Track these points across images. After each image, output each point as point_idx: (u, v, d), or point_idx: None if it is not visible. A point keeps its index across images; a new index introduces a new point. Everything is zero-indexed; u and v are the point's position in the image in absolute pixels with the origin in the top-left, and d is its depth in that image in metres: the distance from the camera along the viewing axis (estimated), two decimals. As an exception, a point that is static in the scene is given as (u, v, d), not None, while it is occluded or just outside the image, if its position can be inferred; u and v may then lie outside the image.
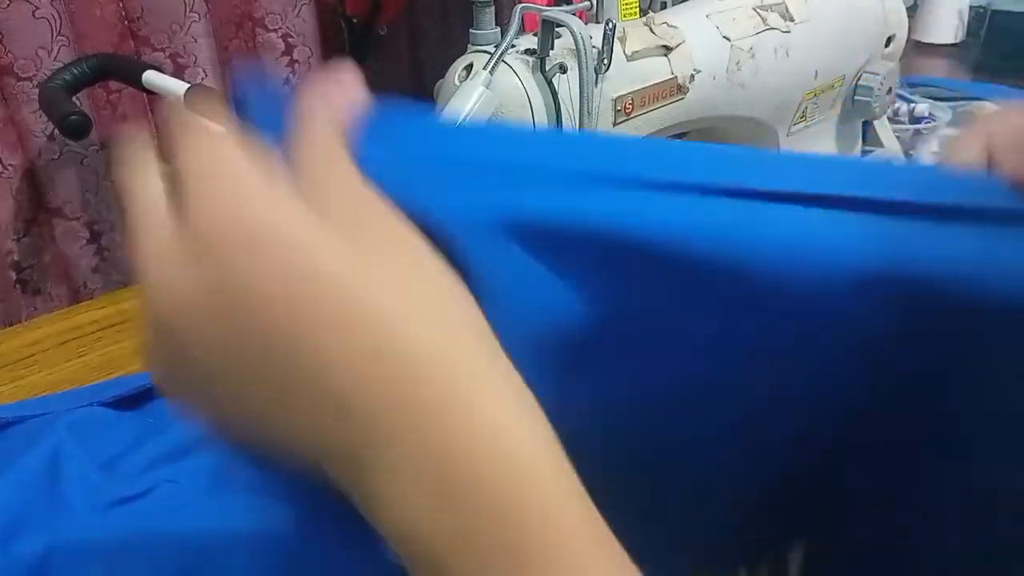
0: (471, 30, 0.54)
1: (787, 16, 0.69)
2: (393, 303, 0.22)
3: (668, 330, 0.30)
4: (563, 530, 0.21)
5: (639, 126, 0.61)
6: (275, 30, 1.50)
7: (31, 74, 1.17)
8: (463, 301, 0.23)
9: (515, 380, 0.22)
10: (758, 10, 0.68)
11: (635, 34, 0.60)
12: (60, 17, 1.17)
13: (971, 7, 1.52)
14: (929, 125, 0.94)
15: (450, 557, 0.20)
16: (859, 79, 0.77)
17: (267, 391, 0.22)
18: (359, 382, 0.21)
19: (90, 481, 0.52)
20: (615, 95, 0.58)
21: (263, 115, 0.27)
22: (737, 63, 0.65)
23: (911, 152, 0.94)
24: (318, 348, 0.21)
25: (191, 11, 1.33)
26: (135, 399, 0.61)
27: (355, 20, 1.57)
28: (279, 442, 0.23)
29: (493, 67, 0.51)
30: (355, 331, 0.21)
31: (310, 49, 1.56)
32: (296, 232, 0.22)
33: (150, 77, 1.16)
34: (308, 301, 0.21)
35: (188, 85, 1.11)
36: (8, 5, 1.12)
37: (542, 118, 0.53)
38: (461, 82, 0.53)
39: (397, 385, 0.21)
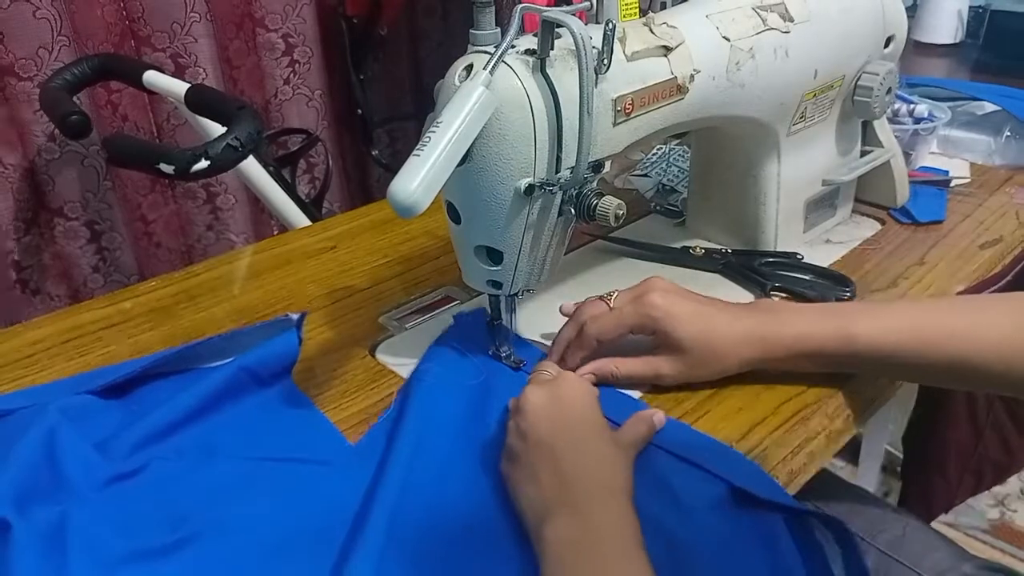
0: (471, 30, 0.54)
1: (787, 16, 0.69)
2: (599, 468, 0.51)
3: None
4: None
5: (639, 126, 0.61)
6: (275, 30, 1.50)
7: (32, 74, 1.17)
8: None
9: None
10: (758, 10, 0.68)
11: (635, 34, 0.60)
12: (61, 17, 1.17)
13: (971, 7, 1.53)
14: (929, 125, 0.94)
15: (569, 552, 0.46)
16: (859, 79, 0.77)
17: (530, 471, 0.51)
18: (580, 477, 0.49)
19: (87, 459, 0.55)
20: (615, 95, 0.58)
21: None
22: (737, 63, 0.66)
23: (911, 152, 0.94)
24: (572, 456, 0.51)
25: (192, 11, 1.34)
26: (120, 388, 0.63)
27: (355, 20, 1.58)
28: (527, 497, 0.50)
29: (493, 67, 0.51)
30: (589, 457, 0.51)
31: (310, 49, 1.56)
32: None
33: (151, 77, 1.16)
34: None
35: (188, 85, 1.12)
36: (9, 5, 1.12)
37: (542, 118, 0.54)
38: (461, 82, 0.53)
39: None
